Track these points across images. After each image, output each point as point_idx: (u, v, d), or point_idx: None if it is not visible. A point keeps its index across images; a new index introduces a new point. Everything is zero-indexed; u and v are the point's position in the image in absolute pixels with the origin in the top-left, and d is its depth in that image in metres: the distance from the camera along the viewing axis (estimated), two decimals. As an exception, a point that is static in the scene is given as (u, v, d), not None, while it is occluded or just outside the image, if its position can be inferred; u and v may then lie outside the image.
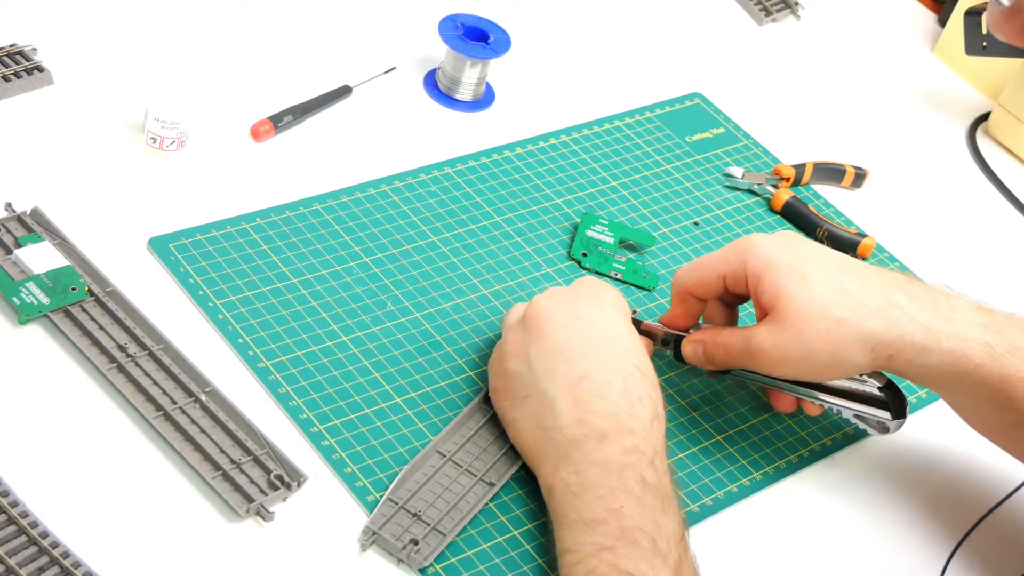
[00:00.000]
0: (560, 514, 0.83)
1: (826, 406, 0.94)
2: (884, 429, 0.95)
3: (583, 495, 0.82)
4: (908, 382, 0.93)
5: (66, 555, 0.76)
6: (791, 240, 0.92)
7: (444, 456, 0.88)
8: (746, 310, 0.99)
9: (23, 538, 0.77)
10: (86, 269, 0.92)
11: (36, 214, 0.94)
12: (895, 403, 0.94)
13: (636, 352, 0.88)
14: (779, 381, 0.94)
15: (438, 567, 0.83)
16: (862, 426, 0.96)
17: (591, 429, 0.84)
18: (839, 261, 0.91)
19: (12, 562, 0.75)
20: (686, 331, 0.96)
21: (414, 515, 0.85)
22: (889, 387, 0.94)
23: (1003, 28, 0.71)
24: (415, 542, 0.83)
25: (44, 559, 0.76)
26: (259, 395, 0.89)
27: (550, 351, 0.87)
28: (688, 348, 0.95)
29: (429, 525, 0.84)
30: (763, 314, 0.91)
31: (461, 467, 0.88)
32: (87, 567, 0.76)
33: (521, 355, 0.88)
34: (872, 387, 0.94)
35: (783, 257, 0.89)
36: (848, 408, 0.94)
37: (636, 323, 0.96)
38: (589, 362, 0.86)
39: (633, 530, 0.79)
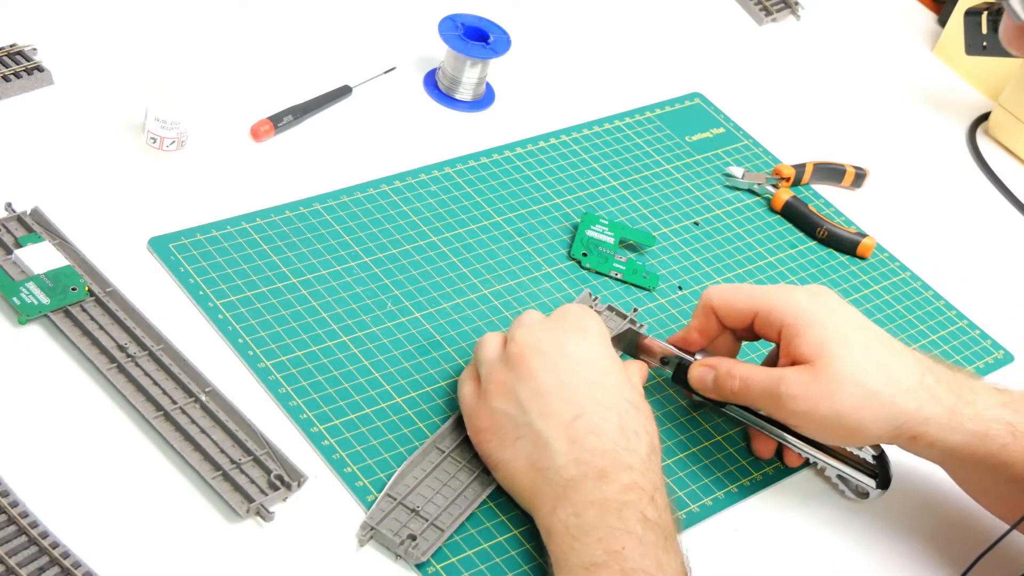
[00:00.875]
0: (560, 557, 0.81)
1: (811, 459, 0.94)
2: (863, 495, 0.95)
3: (582, 537, 0.80)
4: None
5: (66, 555, 0.76)
6: (832, 299, 0.91)
7: (443, 452, 0.88)
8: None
9: (23, 538, 0.77)
10: (86, 269, 0.92)
11: (36, 214, 0.94)
12: (882, 472, 0.94)
13: (627, 386, 0.87)
14: (770, 425, 0.93)
15: (438, 566, 0.83)
16: (841, 487, 0.95)
17: (589, 468, 0.82)
18: (877, 333, 0.90)
19: (12, 562, 0.75)
20: (691, 355, 0.95)
21: (412, 510, 0.85)
22: (880, 457, 0.94)
23: (1017, 43, 0.69)
24: (413, 537, 0.83)
25: (44, 559, 0.76)
26: (259, 395, 0.89)
27: (540, 391, 0.85)
28: (697, 371, 0.93)
29: (427, 520, 0.84)
30: (789, 363, 0.90)
31: (460, 463, 0.88)
32: (87, 567, 0.76)
33: (509, 394, 0.86)
34: (866, 453, 0.93)
35: (826, 317, 0.89)
36: (834, 467, 0.94)
37: (637, 340, 0.96)
38: (582, 400, 0.85)
39: (635, 572, 0.78)
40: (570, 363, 0.86)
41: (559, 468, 0.83)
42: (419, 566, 0.83)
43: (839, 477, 0.95)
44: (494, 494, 0.88)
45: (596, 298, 1.02)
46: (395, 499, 0.85)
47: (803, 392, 0.87)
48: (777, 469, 0.96)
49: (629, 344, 0.98)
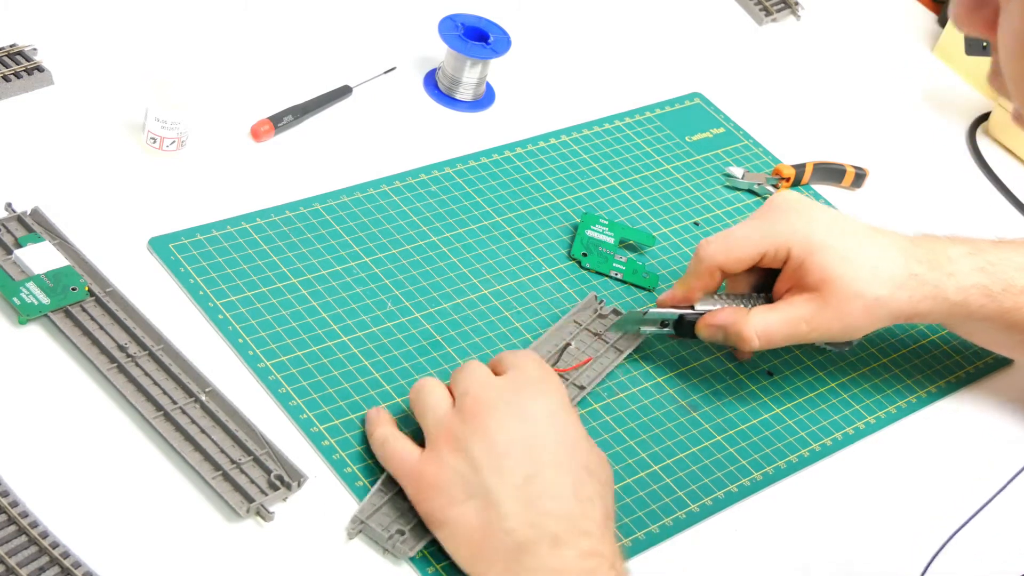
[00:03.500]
0: None
1: None
2: (847, 344, 1.03)
3: None
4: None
5: (66, 555, 0.76)
6: (819, 212, 0.97)
7: None
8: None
9: (23, 538, 0.77)
10: (86, 269, 0.92)
11: (36, 214, 0.94)
12: None
13: (584, 450, 0.83)
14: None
15: (438, 566, 0.83)
16: (828, 346, 1.04)
17: (543, 532, 0.78)
18: (863, 232, 0.97)
19: (12, 562, 0.75)
20: (690, 307, 0.97)
21: (403, 506, 0.84)
22: None
23: (969, 19, 0.66)
24: (401, 532, 0.83)
25: (44, 559, 0.76)
26: (259, 395, 0.89)
27: (494, 448, 0.81)
28: (706, 332, 0.96)
29: (418, 517, 0.84)
30: (792, 285, 0.95)
31: None
32: (87, 567, 0.76)
33: (461, 450, 0.81)
34: None
35: (824, 238, 0.95)
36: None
37: (637, 316, 0.97)
38: (537, 460, 0.81)
39: None
40: (527, 422, 0.83)
41: (510, 530, 0.79)
42: (418, 565, 0.83)
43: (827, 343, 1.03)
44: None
45: (601, 301, 1.02)
46: (387, 494, 0.85)
47: (819, 321, 0.94)
48: (777, 469, 0.96)
49: (631, 323, 0.98)
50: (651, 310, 0.98)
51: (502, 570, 0.79)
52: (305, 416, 0.89)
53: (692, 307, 0.97)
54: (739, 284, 0.99)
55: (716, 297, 0.97)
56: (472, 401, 0.83)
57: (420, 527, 0.84)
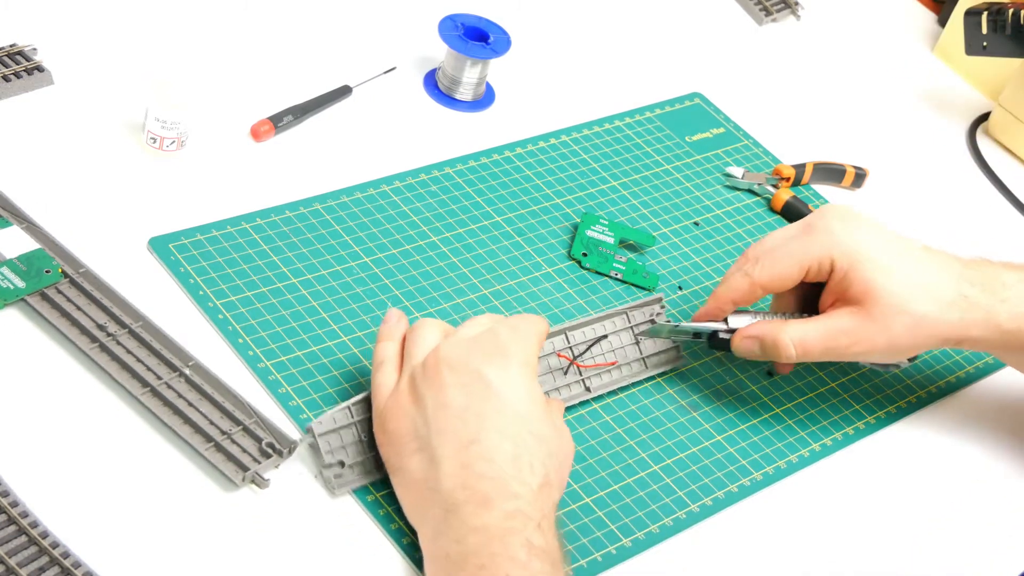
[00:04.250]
0: None
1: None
2: (895, 366, 1.01)
3: (464, 564, 0.77)
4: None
5: (66, 555, 0.76)
6: (866, 225, 0.94)
7: None
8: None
9: (23, 538, 0.77)
10: (57, 251, 0.92)
11: (0, 198, 0.94)
12: None
13: (534, 418, 0.83)
14: None
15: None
16: (874, 366, 1.02)
17: (472, 493, 0.79)
18: (913, 249, 0.94)
19: (12, 562, 0.75)
20: (723, 320, 0.96)
21: (362, 436, 0.84)
22: None
23: None
24: (342, 464, 0.83)
25: (44, 559, 0.76)
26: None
27: (444, 407, 0.82)
28: (743, 345, 0.94)
29: (367, 455, 0.83)
30: (835, 299, 0.93)
31: None
32: (87, 567, 0.76)
33: (419, 402, 0.83)
34: None
35: (868, 250, 0.92)
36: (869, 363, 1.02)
37: (664, 331, 0.97)
38: (481, 425, 0.81)
39: None
40: (481, 386, 0.83)
41: (446, 491, 0.80)
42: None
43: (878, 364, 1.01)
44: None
45: (664, 307, 0.99)
46: (352, 419, 0.84)
47: (861, 335, 0.92)
48: (777, 469, 0.96)
49: (662, 332, 0.97)
50: (683, 324, 0.96)
51: (434, 525, 0.80)
52: (305, 416, 0.89)
53: (726, 321, 0.95)
54: (785, 303, 0.97)
55: (750, 312, 0.96)
56: (435, 358, 0.84)
57: (363, 467, 0.84)
